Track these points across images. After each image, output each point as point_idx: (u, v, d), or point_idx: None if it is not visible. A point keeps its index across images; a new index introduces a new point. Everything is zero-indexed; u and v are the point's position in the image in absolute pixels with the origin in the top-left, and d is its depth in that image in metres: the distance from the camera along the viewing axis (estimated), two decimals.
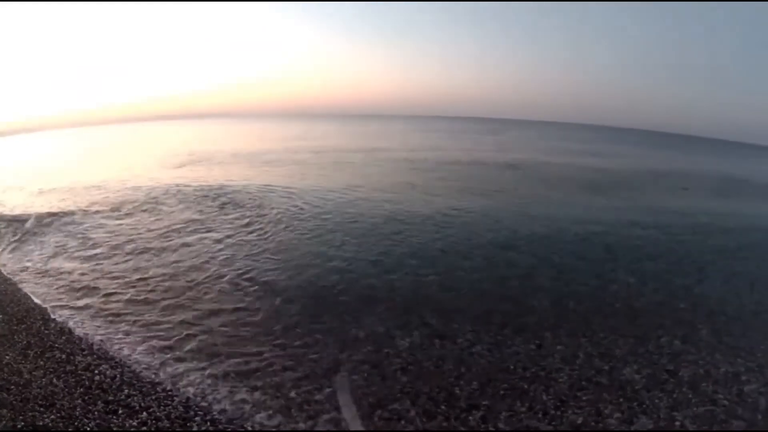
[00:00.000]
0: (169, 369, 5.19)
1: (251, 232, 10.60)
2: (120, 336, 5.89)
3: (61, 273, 8.18)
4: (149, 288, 7.54)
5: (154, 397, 4.60)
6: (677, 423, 4.55)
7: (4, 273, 8.10)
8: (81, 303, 6.92)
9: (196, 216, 12.14)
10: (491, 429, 4.39)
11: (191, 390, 4.80)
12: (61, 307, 6.73)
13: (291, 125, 78.17)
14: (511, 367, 5.40)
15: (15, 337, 5.53)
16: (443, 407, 4.65)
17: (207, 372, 5.16)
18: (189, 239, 10.14)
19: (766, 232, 12.63)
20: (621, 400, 4.86)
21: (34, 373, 4.80)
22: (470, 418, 4.51)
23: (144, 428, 4.15)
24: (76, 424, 4.10)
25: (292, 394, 4.81)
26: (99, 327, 6.10)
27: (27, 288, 7.40)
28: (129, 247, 9.61)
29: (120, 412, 4.35)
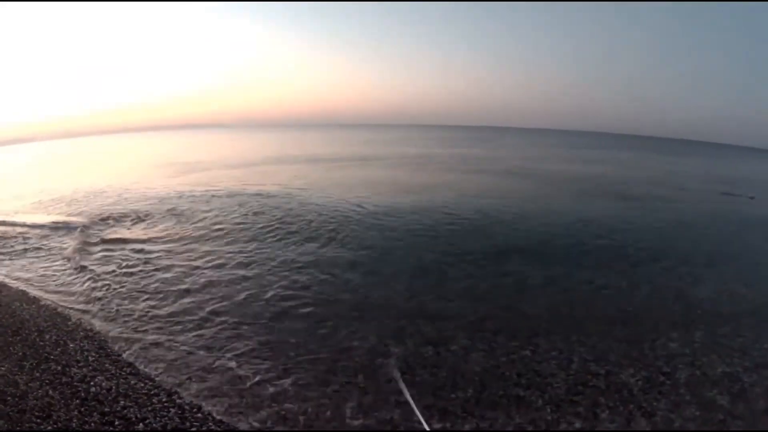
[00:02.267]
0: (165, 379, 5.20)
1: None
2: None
3: None
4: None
5: (150, 408, 4.59)
6: (676, 425, 4.53)
7: None
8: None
9: None
10: None
11: (187, 401, 4.80)
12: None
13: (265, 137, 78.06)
14: (506, 373, 5.39)
15: (10, 348, 5.52)
16: (438, 416, 4.62)
17: (202, 381, 5.17)
18: None
19: (757, 235, 12.70)
20: (618, 403, 4.84)
21: (30, 384, 4.79)
22: (466, 426, 4.49)
23: None
24: None
25: (286, 403, 4.80)
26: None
27: None
28: None
29: (116, 423, 4.33)
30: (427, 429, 3.68)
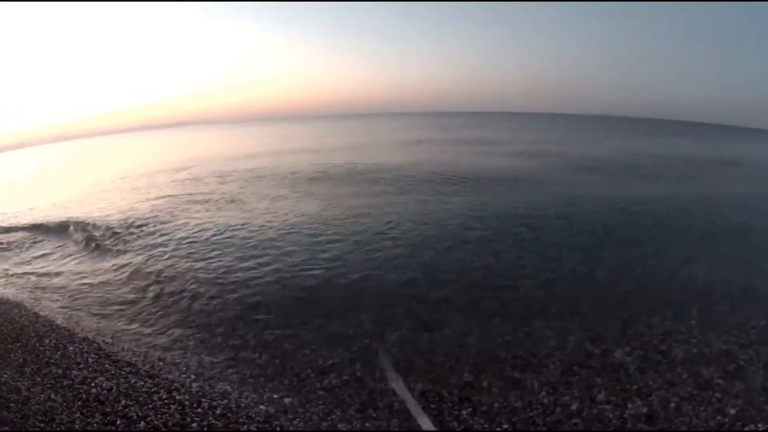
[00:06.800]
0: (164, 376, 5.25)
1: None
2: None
3: None
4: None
5: (151, 406, 4.64)
6: (672, 405, 4.55)
7: None
8: None
9: None
10: (483, 422, 4.40)
11: (187, 397, 4.85)
12: None
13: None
14: (502, 356, 5.42)
15: (11, 355, 5.56)
16: (434, 402, 4.67)
17: (200, 377, 5.22)
18: None
19: (749, 212, 12.62)
20: (614, 383, 4.86)
21: (32, 389, 4.84)
22: (463, 411, 4.52)
23: None
24: None
25: (285, 397, 4.85)
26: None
27: None
28: None
29: (118, 422, 4.38)
30: (427, 429, 3.53)
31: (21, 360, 5.47)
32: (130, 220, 13.30)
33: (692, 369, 5.08)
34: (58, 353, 5.65)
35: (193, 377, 5.22)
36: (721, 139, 53.02)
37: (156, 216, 13.69)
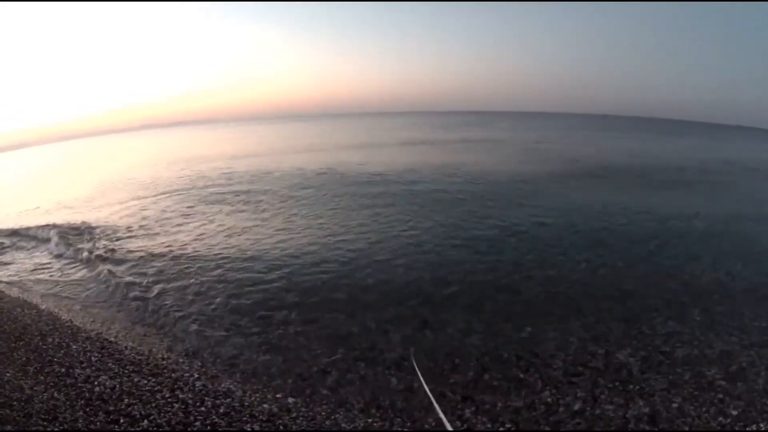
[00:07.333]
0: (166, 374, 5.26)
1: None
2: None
3: None
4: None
5: (154, 405, 4.64)
6: (674, 405, 4.54)
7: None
8: None
9: None
10: (486, 421, 4.40)
11: (190, 395, 4.86)
12: None
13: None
14: (505, 355, 5.42)
15: (14, 354, 5.56)
16: (438, 401, 4.63)
17: (203, 375, 5.23)
18: None
19: (751, 212, 12.60)
20: (617, 383, 4.87)
21: (35, 388, 4.84)
22: (466, 410, 4.53)
23: None
24: None
25: (288, 396, 4.86)
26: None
27: None
28: None
29: (121, 421, 4.38)
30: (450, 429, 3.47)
31: (24, 359, 5.47)
32: (135, 220, 13.36)
33: (694, 370, 5.08)
34: (61, 352, 5.65)
35: (197, 376, 5.22)
36: (722, 138, 52.97)
37: (161, 215, 13.75)
